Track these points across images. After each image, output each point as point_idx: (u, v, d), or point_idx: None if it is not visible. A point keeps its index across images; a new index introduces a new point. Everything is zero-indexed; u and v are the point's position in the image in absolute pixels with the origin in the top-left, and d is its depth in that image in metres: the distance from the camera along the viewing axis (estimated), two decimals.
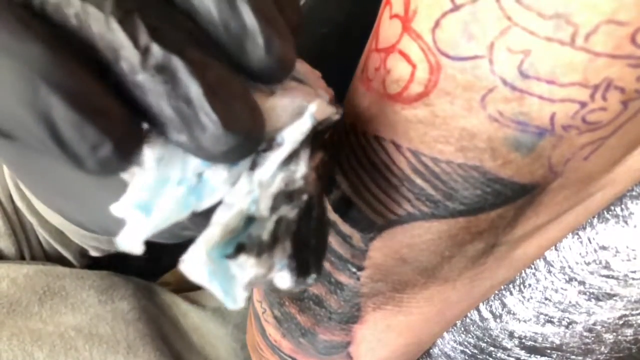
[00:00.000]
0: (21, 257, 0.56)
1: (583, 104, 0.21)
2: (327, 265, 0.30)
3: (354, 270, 0.29)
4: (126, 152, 0.18)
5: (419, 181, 0.25)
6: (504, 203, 0.25)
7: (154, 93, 0.17)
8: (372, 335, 0.32)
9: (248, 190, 0.20)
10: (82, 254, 0.59)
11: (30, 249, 0.57)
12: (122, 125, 0.17)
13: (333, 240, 0.29)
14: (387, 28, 0.24)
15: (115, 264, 0.58)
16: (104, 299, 0.52)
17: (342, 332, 0.32)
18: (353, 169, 0.27)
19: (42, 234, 0.57)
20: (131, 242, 0.19)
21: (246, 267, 0.19)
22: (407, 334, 0.32)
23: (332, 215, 0.29)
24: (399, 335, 0.32)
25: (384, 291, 0.30)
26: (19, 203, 0.54)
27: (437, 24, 0.21)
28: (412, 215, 0.26)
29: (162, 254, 0.67)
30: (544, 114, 0.21)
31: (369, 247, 0.28)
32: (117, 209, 0.18)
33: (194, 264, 0.19)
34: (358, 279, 0.30)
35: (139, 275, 0.60)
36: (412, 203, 0.26)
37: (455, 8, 0.21)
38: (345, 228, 0.29)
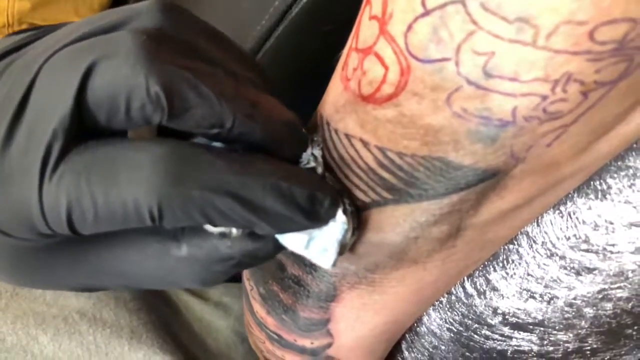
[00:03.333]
0: None
1: (544, 97, 0.22)
2: None
3: None
4: (337, 200, 0.27)
5: (383, 173, 0.27)
6: (466, 187, 0.26)
7: None
8: (349, 313, 0.33)
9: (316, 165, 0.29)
10: None
11: None
12: (327, 185, 0.27)
13: None
14: (366, 29, 0.25)
15: None
16: None
17: (320, 310, 0.33)
18: (324, 161, 0.29)
19: None
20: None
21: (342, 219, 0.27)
22: (384, 312, 0.33)
23: None
24: (376, 313, 0.33)
25: (356, 271, 0.31)
26: None
27: (409, 27, 0.23)
28: (376, 202, 0.28)
29: None
30: (506, 108, 0.23)
31: None
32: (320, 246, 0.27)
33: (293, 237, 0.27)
34: None
35: None
36: (376, 191, 0.28)
37: (427, 13, 0.22)
38: None
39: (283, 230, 0.26)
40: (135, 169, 0.23)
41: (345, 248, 0.28)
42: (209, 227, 0.26)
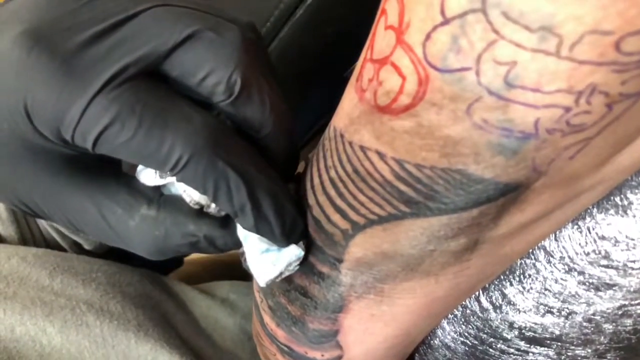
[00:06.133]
0: (24, 245, 0.56)
1: (567, 109, 0.21)
2: (310, 257, 0.32)
3: (333, 262, 0.31)
4: (305, 232, 0.31)
5: (401, 186, 0.26)
6: (486, 201, 0.25)
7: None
8: (358, 325, 0.32)
9: None
10: (78, 245, 0.59)
11: (32, 237, 0.58)
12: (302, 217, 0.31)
13: (317, 237, 0.31)
14: (381, 39, 0.25)
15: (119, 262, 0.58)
16: (112, 282, 0.52)
17: (328, 321, 0.33)
18: (338, 175, 0.29)
19: (42, 222, 0.58)
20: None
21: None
22: (393, 325, 0.32)
23: (318, 215, 0.31)
24: (386, 325, 0.32)
25: (365, 281, 0.31)
26: None
27: (428, 37, 0.22)
28: (393, 215, 0.27)
29: None
30: (528, 119, 0.22)
31: (349, 243, 0.30)
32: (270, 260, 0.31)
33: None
34: (339, 270, 0.31)
35: None
36: (393, 205, 0.27)
37: (446, 21, 0.21)
38: (328, 227, 0.30)
39: (259, 231, 0.30)
40: (186, 120, 0.27)
41: (282, 275, 0.31)
42: (187, 195, 0.30)
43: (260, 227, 0.29)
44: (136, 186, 0.31)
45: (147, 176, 0.31)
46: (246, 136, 0.30)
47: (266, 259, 0.31)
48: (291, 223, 0.30)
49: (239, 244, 0.31)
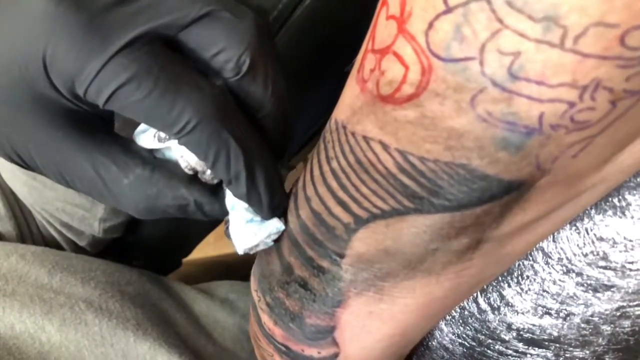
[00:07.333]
0: (22, 242, 0.57)
1: (572, 104, 0.21)
2: (310, 251, 0.32)
3: (334, 257, 0.30)
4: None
5: (404, 179, 0.26)
6: (490, 200, 0.25)
7: None
8: (355, 321, 0.32)
9: None
10: (74, 243, 0.60)
11: (30, 234, 0.58)
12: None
13: (316, 230, 0.31)
14: (383, 29, 0.24)
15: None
16: (110, 280, 0.53)
17: (326, 316, 0.33)
18: (340, 166, 0.28)
19: (38, 217, 0.58)
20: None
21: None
22: (391, 323, 0.32)
23: (318, 207, 0.30)
24: (383, 323, 0.32)
25: (366, 278, 0.30)
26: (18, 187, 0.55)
27: (430, 25, 0.22)
28: (396, 210, 0.27)
29: (165, 256, 0.67)
30: (533, 113, 0.22)
31: (352, 238, 0.29)
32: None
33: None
34: (339, 265, 0.30)
35: None
36: (396, 199, 0.27)
37: (449, 10, 0.21)
38: (329, 219, 0.30)
39: (249, 200, 0.31)
40: (198, 88, 0.28)
41: (259, 247, 0.33)
42: (184, 160, 0.31)
43: (250, 196, 0.31)
44: (133, 147, 0.32)
45: (145, 139, 0.32)
46: (246, 115, 0.31)
47: (249, 228, 0.33)
48: (279, 198, 0.32)
49: (225, 214, 0.33)
